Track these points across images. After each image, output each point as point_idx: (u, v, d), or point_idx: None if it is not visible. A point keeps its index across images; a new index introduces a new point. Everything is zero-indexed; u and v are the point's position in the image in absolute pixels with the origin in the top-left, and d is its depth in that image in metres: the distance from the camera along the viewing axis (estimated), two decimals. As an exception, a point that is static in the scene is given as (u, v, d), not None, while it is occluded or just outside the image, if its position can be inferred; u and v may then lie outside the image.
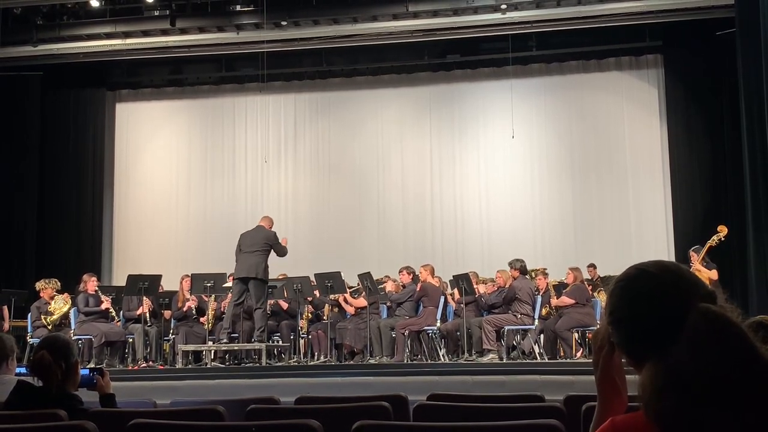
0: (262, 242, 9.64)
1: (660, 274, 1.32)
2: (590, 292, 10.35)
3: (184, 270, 11.21)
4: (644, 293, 1.30)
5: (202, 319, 10.74)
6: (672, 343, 1.21)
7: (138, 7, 13.75)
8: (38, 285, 10.73)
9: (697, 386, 1.15)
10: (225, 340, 9.86)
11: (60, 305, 10.44)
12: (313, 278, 10.49)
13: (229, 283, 10.14)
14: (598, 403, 1.42)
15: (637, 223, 13.86)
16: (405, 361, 9.62)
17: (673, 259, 12.90)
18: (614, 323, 1.35)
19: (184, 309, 10.63)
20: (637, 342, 1.29)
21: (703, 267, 9.69)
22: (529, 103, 14.33)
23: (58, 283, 10.75)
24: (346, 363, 10.04)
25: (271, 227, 9.91)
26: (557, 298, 10.20)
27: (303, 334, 10.88)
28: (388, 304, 10.67)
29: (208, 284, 10.08)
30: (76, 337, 9.61)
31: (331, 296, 10.78)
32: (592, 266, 11.98)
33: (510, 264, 10.20)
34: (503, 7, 12.68)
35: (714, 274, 9.63)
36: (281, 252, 9.82)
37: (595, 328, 9.56)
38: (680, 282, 1.30)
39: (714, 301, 1.27)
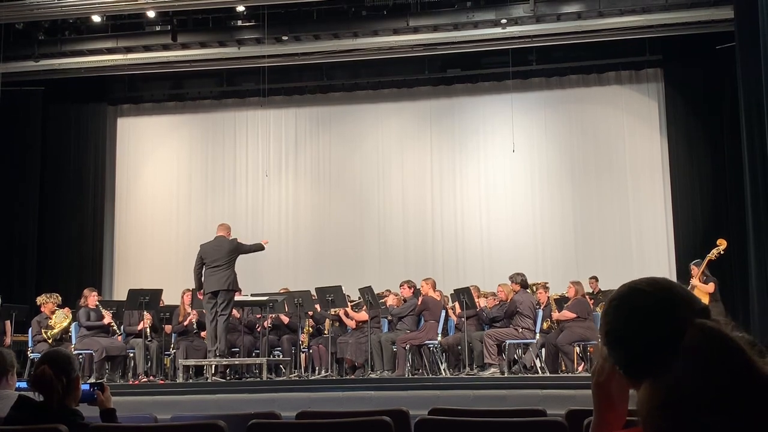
0: (226, 256, 9.43)
1: (653, 291, 1.31)
2: (591, 306, 10.33)
3: (184, 284, 11.18)
4: (638, 311, 1.29)
5: (203, 334, 10.71)
6: (669, 360, 1.20)
7: (139, 23, 13.79)
8: (39, 299, 10.71)
9: (696, 402, 1.14)
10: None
11: (61, 320, 10.42)
12: (314, 292, 10.47)
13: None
14: (593, 417, 1.42)
15: (638, 236, 13.85)
16: (406, 376, 9.59)
17: (674, 271, 12.91)
18: (610, 343, 1.34)
19: (185, 323, 10.61)
20: (633, 360, 1.28)
21: (702, 282, 9.69)
22: (530, 116, 14.36)
23: (59, 298, 10.72)
24: (347, 377, 10.01)
25: (229, 234, 9.73)
26: (558, 312, 10.19)
27: (304, 348, 10.86)
28: (389, 318, 10.65)
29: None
30: (76, 352, 9.59)
31: (332, 310, 10.75)
32: (594, 279, 11.97)
33: (511, 278, 10.18)
34: (503, 21, 12.72)
35: (711, 288, 9.62)
36: (252, 249, 9.63)
37: (596, 342, 9.54)
38: (674, 298, 1.29)
39: (708, 316, 1.26)
